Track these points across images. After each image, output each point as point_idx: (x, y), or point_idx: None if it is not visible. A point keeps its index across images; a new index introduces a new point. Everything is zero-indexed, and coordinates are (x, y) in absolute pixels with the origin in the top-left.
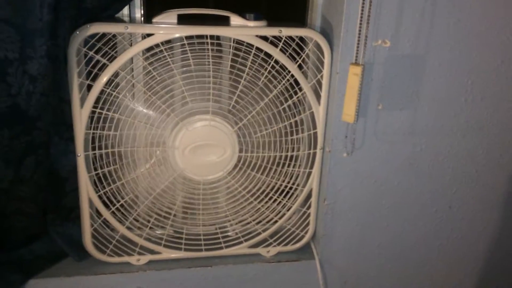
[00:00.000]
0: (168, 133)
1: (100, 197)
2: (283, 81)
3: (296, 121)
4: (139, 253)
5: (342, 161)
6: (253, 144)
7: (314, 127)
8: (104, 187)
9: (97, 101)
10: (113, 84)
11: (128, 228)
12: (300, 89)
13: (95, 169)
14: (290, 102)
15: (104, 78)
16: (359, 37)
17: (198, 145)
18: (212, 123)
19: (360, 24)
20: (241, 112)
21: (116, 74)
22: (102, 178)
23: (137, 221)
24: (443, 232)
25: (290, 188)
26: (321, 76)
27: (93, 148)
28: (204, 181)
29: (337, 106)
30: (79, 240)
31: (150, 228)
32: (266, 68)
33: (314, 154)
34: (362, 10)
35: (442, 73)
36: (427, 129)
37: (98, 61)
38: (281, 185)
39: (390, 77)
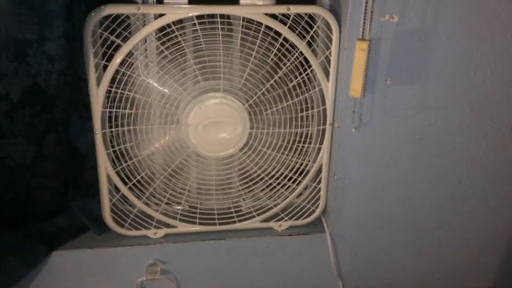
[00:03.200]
0: (181, 111)
1: (118, 173)
2: (293, 59)
3: (306, 98)
4: (156, 227)
5: (350, 136)
6: (264, 122)
7: (324, 104)
8: (121, 164)
9: (112, 80)
10: (127, 64)
11: (145, 203)
12: (310, 67)
13: (113, 147)
14: (299, 79)
15: (118, 58)
16: (365, 12)
17: (210, 122)
18: (223, 100)
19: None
20: (252, 90)
21: (130, 54)
22: (120, 156)
23: (154, 196)
24: (454, 206)
25: (301, 164)
26: (330, 53)
27: (110, 126)
28: (216, 158)
29: (345, 82)
30: (99, 214)
31: (166, 203)
32: (276, 46)
33: (324, 130)
34: None
35: (450, 47)
36: (435, 103)
37: (113, 42)
38: (292, 161)
39: (398, 52)
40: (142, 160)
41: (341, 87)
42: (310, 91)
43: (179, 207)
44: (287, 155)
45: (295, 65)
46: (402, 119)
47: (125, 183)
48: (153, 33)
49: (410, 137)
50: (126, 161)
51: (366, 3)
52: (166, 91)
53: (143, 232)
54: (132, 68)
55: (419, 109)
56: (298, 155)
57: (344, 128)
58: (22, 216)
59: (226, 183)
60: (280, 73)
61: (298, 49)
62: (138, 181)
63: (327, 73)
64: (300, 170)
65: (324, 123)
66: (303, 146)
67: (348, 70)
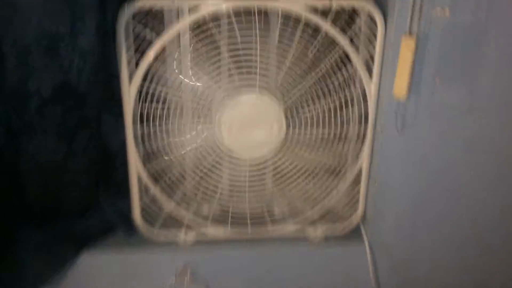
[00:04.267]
0: (214, 108)
1: (148, 172)
2: (334, 56)
3: (346, 97)
4: (186, 229)
5: (393, 139)
6: (301, 121)
7: (365, 104)
8: (152, 164)
9: (145, 77)
10: (160, 59)
11: (176, 204)
12: (351, 64)
13: (144, 146)
14: (340, 77)
15: (151, 53)
16: (413, 5)
17: (244, 121)
18: (259, 97)
19: None
20: (289, 87)
21: (163, 50)
22: (151, 155)
23: (185, 197)
24: (507, 216)
25: (339, 167)
26: (374, 50)
27: (142, 125)
28: (250, 158)
29: (389, 81)
30: (129, 214)
31: (197, 205)
32: (315, 43)
33: (365, 131)
34: None
35: (506, 43)
36: (489, 104)
37: (145, 37)
38: (330, 164)
39: (448, 48)
40: (173, 160)
41: (385, 86)
42: (351, 90)
43: (210, 209)
44: (326, 157)
45: (336, 62)
46: (450, 121)
47: (156, 183)
48: (187, 28)
49: (459, 141)
50: (157, 161)
51: None
52: (199, 86)
53: (173, 233)
54: (165, 64)
55: (469, 110)
56: (336, 157)
57: (386, 130)
58: (52, 214)
59: (259, 185)
60: (320, 70)
61: (340, 45)
62: (168, 181)
63: (370, 71)
64: (338, 173)
65: (365, 124)
66: (342, 148)
67: (393, 68)
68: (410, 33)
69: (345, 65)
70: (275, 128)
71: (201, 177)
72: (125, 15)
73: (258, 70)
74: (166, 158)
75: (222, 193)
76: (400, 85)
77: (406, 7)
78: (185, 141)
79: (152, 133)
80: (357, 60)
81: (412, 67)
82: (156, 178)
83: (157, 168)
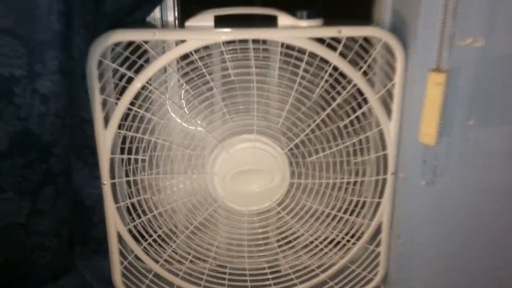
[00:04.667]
0: (207, 156)
1: (131, 230)
2: (344, 92)
3: (360, 140)
4: None
5: (420, 190)
6: (307, 168)
7: (384, 148)
8: (134, 219)
9: (124, 118)
10: (142, 99)
11: (165, 263)
12: (366, 101)
13: (126, 198)
14: (353, 117)
15: (130, 94)
16: (442, 35)
17: (241, 171)
18: (258, 144)
19: (444, 18)
20: (293, 130)
21: (146, 88)
22: (133, 208)
23: (176, 254)
24: None
25: (355, 220)
26: (392, 85)
27: (121, 175)
28: (249, 212)
29: (412, 122)
30: (108, 276)
31: (189, 264)
32: (323, 77)
33: (384, 180)
34: (446, 1)
35: None
36: None
37: (125, 74)
38: (343, 216)
39: (484, 84)
40: (159, 214)
41: (408, 128)
42: (366, 131)
43: (204, 267)
44: (339, 209)
45: (347, 99)
46: (487, 169)
47: (144, 238)
48: (173, 63)
49: (498, 192)
50: (139, 216)
51: (444, 22)
52: (190, 130)
53: None
54: (148, 104)
55: (509, 156)
56: (351, 208)
57: (411, 180)
58: (21, 280)
59: (261, 239)
60: (329, 109)
61: (351, 80)
62: (155, 238)
63: (388, 110)
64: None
65: (385, 172)
66: (358, 199)
67: (417, 107)
68: (438, 67)
69: (358, 104)
70: (277, 177)
71: (194, 233)
72: (97, 50)
73: (255, 111)
74: (152, 212)
75: (219, 247)
76: (429, 129)
77: (432, 37)
78: (175, 192)
79: (132, 183)
80: (371, 97)
81: (441, 108)
82: (141, 234)
83: (141, 224)
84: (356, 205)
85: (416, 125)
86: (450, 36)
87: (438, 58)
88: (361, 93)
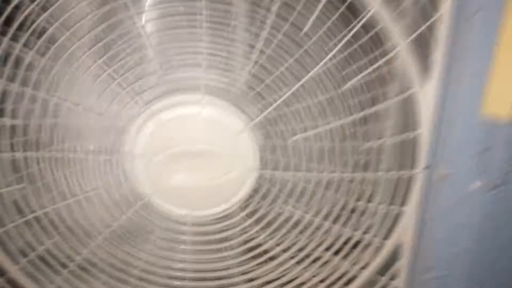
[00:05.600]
0: (124, 130)
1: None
2: (355, 23)
3: (375, 114)
4: None
5: (473, 196)
6: (287, 154)
7: (414, 126)
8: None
9: None
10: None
11: None
12: (385, 53)
13: None
14: (364, 73)
15: None
16: None
17: (181, 153)
18: (207, 110)
19: None
20: (267, 93)
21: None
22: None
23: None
24: None
25: (359, 239)
26: (437, 19)
27: None
28: (194, 220)
29: (468, 84)
30: None
31: None
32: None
33: (411, 178)
34: None
35: None
36: None
37: None
38: (342, 229)
39: None
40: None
41: (459, 93)
42: (385, 99)
43: None
44: (334, 220)
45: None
46: None
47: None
48: None
49: None
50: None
51: None
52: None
53: None
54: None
55: None
56: (354, 224)
57: (459, 179)
58: None
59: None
60: (326, 58)
61: (365, 7)
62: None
63: (425, 65)
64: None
65: (412, 166)
66: (365, 207)
67: (479, 57)
68: None
69: (372, 50)
70: (239, 166)
71: (103, 251)
72: None
73: (205, 56)
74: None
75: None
76: (502, 90)
77: None
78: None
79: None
80: (399, 40)
81: None
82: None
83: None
84: (362, 214)
85: (476, 88)
86: None
87: None
88: (379, 38)
